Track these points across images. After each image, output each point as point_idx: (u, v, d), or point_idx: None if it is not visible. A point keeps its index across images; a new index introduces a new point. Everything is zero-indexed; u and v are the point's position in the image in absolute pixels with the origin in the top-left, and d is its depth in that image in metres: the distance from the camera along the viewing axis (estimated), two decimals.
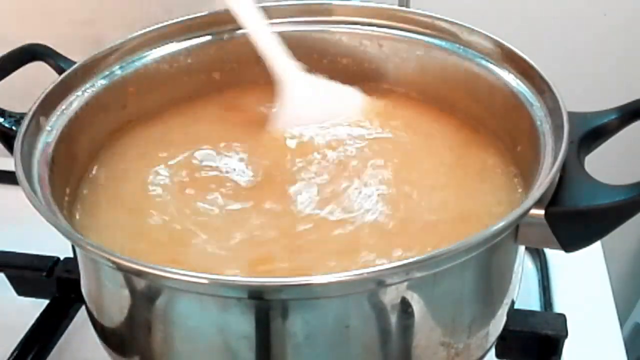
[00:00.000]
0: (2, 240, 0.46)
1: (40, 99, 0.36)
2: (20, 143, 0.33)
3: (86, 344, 0.44)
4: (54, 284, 0.43)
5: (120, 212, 0.36)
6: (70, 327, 0.44)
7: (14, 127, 0.36)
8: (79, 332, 0.45)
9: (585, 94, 0.57)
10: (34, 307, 0.44)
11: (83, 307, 0.44)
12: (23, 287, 0.44)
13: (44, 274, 0.43)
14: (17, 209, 0.36)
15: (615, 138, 0.35)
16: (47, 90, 0.37)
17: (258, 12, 0.40)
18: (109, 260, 0.28)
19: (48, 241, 0.37)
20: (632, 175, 0.36)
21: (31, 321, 0.43)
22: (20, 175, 0.31)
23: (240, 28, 0.42)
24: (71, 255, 0.42)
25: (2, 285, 0.44)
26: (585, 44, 0.65)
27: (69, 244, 0.32)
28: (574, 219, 0.30)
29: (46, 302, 0.44)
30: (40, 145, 0.35)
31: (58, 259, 0.43)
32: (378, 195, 0.36)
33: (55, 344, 0.43)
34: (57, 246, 0.39)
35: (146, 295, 0.30)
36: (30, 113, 0.35)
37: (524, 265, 0.37)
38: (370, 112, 0.42)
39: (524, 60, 0.37)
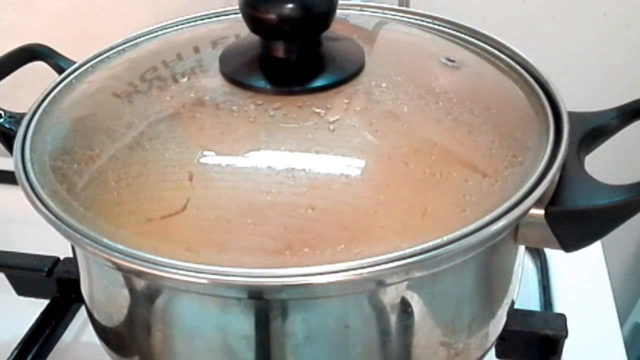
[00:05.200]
0: (2, 240, 0.46)
1: (40, 99, 0.36)
2: (20, 145, 0.33)
3: (86, 344, 0.44)
4: (54, 284, 0.43)
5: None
6: (70, 327, 0.45)
7: (13, 128, 0.36)
8: (79, 332, 0.45)
9: (585, 93, 0.57)
10: (34, 307, 0.44)
11: (83, 307, 0.44)
12: (23, 287, 0.44)
13: (44, 274, 0.43)
14: (17, 209, 0.36)
15: (615, 138, 0.35)
16: (47, 91, 0.37)
17: None
18: (108, 260, 0.28)
19: (48, 241, 0.37)
20: (632, 175, 0.36)
21: (31, 321, 0.43)
22: (22, 179, 0.31)
23: None
24: (71, 255, 0.42)
25: (2, 285, 0.44)
26: (585, 44, 0.65)
27: (68, 244, 0.32)
28: (574, 218, 0.30)
29: (46, 302, 0.44)
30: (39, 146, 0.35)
31: (58, 259, 0.44)
32: None
33: (55, 344, 0.43)
34: (57, 246, 0.39)
35: (146, 295, 0.30)
36: (30, 113, 0.35)
37: (524, 265, 0.37)
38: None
39: (525, 60, 0.37)
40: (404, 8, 0.43)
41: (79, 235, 0.28)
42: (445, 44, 0.39)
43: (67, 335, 0.44)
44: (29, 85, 0.38)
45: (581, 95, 0.45)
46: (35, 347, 0.42)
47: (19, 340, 0.42)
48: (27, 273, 0.43)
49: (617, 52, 0.66)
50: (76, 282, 0.36)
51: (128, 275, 0.30)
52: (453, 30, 0.40)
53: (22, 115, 0.35)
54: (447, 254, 0.27)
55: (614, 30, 0.64)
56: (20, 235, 0.46)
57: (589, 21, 0.64)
